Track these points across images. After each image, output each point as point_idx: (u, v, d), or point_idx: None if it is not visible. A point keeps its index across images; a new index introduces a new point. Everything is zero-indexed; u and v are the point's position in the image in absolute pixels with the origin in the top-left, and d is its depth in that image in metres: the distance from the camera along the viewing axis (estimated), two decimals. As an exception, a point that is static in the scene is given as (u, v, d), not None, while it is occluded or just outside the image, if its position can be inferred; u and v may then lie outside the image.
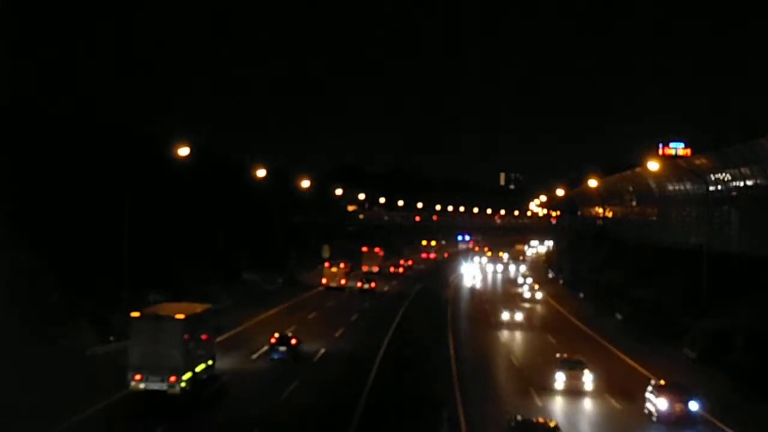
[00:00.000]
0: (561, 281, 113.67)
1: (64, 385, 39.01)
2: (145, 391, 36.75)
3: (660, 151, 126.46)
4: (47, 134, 59.82)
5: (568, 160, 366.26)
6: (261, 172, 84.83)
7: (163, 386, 36.77)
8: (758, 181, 62.58)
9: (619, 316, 72.77)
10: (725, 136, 79.42)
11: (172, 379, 36.80)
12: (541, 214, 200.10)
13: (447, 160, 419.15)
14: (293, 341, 48.87)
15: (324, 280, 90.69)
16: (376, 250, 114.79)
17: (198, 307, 41.82)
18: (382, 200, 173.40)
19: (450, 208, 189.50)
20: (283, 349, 48.21)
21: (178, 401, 36.53)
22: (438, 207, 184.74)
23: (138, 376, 36.99)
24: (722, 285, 58.35)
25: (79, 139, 63.70)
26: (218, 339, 46.35)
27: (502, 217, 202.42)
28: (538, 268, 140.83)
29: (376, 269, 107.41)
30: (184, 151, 59.54)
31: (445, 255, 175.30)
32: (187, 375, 37.48)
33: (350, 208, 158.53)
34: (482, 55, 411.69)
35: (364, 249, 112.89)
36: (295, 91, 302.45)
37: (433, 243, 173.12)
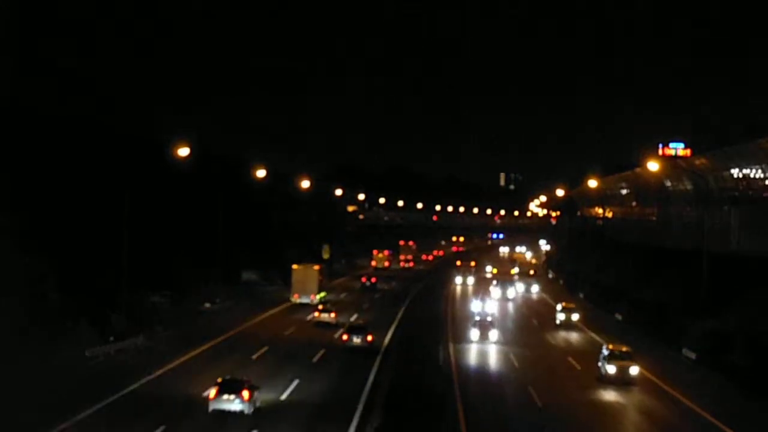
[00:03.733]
0: (561, 281, 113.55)
1: (65, 386, 39.00)
2: (299, 303, 73.42)
3: (660, 151, 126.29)
4: (48, 135, 59.81)
5: (568, 160, 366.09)
6: (261, 173, 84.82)
7: (308, 300, 73.92)
8: (758, 182, 62.56)
9: (618, 317, 72.73)
10: (725, 136, 79.38)
11: (312, 297, 74.41)
12: (541, 214, 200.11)
13: (447, 160, 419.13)
14: (373, 280, 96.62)
15: (373, 263, 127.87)
16: (410, 243, 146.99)
17: (321, 265, 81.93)
18: (381, 200, 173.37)
19: (450, 209, 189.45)
20: (368, 284, 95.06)
21: (313, 307, 69.96)
22: (438, 207, 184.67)
23: (296, 296, 74.84)
24: (722, 285, 58.30)
25: (79, 139, 63.70)
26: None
27: (501, 217, 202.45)
28: (539, 276, 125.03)
29: (410, 257, 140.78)
30: (184, 152, 59.64)
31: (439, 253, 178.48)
32: (319, 296, 75.30)
33: (350, 208, 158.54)
34: (482, 55, 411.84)
35: (401, 242, 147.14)
36: (295, 91, 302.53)
37: (461, 239, 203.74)
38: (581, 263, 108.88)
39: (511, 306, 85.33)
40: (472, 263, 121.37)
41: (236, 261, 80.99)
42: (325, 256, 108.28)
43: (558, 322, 69.30)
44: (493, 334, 58.01)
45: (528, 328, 69.75)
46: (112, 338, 49.55)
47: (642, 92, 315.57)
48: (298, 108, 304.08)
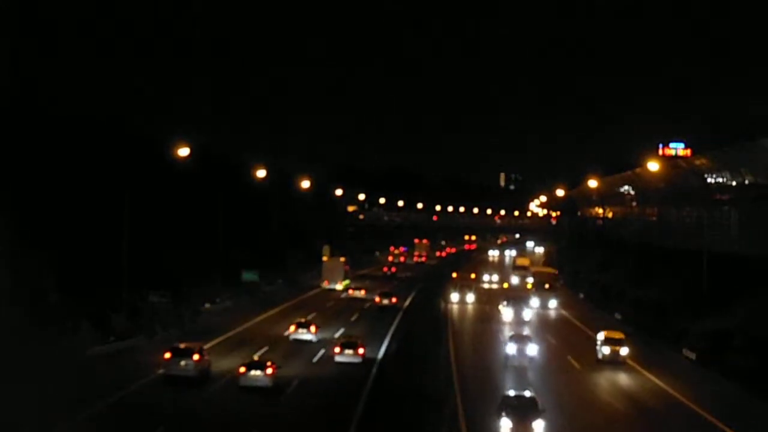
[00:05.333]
0: (561, 282, 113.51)
1: (65, 386, 38.97)
2: (329, 289, 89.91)
3: (660, 151, 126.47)
4: (47, 134, 59.78)
5: (568, 160, 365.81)
6: (261, 172, 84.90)
7: (336, 286, 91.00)
8: (758, 181, 62.61)
9: (618, 317, 72.74)
10: (725, 136, 79.46)
11: (339, 283, 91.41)
12: (541, 215, 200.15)
13: (447, 160, 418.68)
14: (393, 270, 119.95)
15: (390, 258, 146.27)
16: (425, 241, 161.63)
17: (346, 257, 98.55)
18: (382, 200, 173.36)
19: (450, 209, 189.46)
20: (389, 273, 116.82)
21: (338, 292, 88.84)
22: (438, 207, 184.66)
23: (326, 282, 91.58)
24: (722, 285, 58.37)
25: (80, 138, 63.69)
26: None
27: (502, 217, 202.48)
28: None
29: (424, 253, 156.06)
30: (184, 152, 59.68)
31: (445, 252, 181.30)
32: (344, 283, 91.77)
33: (350, 208, 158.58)
34: (482, 55, 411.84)
35: (416, 240, 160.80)
36: (295, 91, 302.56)
37: (474, 237, 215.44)
38: (581, 263, 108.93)
39: (529, 332, 62.28)
40: (472, 275, 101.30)
41: (236, 261, 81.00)
42: (325, 256, 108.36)
43: (600, 356, 52.33)
44: (539, 426, 34.10)
45: (567, 376, 49.06)
46: (112, 338, 49.55)
47: (642, 92, 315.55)
48: (298, 108, 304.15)
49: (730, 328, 52.46)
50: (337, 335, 57.01)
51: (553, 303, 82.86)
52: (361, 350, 49.20)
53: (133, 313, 55.61)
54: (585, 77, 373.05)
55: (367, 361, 48.84)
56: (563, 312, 79.91)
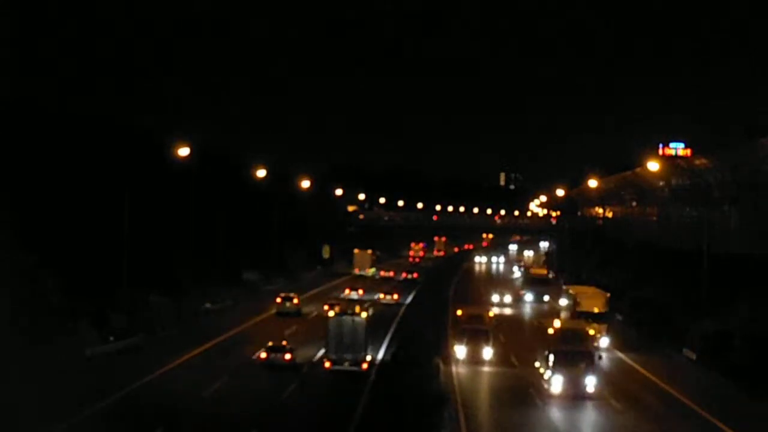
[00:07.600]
0: (562, 282, 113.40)
1: (64, 385, 38.99)
2: (360, 275, 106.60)
3: (660, 151, 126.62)
4: (47, 133, 59.83)
5: (568, 160, 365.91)
6: (261, 172, 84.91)
7: (365, 273, 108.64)
8: (758, 182, 62.61)
9: (618, 317, 72.73)
10: (725, 136, 79.56)
11: (367, 270, 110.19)
12: (541, 214, 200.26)
13: (447, 160, 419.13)
14: (417, 260, 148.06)
15: (411, 252, 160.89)
16: (443, 238, 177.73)
17: (372, 250, 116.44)
18: (382, 200, 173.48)
19: (450, 209, 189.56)
20: (413, 262, 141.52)
21: (369, 278, 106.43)
22: (438, 207, 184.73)
23: (357, 270, 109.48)
24: (722, 285, 58.30)
25: (80, 137, 63.74)
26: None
27: (502, 217, 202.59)
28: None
29: (443, 249, 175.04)
30: (184, 151, 59.66)
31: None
32: (371, 270, 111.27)
33: (350, 208, 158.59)
34: (482, 55, 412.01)
35: (435, 238, 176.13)
36: (296, 91, 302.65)
37: (491, 236, 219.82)
38: (581, 263, 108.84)
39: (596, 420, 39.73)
40: (489, 313, 61.70)
41: (236, 261, 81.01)
42: (326, 255, 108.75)
43: None
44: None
45: None
46: (112, 338, 49.54)
47: (642, 92, 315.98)
48: (299, 108, 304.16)
49: (730, 328, 52.43)
50: (377, 296, 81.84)
51: (604, 341, 55.80)
52: (395, 296, 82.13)
53: (133, 313, 55.60)
54: (585, 77, 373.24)
55: (400, 304, 78.69)
56: (622, 356, 54.87)
